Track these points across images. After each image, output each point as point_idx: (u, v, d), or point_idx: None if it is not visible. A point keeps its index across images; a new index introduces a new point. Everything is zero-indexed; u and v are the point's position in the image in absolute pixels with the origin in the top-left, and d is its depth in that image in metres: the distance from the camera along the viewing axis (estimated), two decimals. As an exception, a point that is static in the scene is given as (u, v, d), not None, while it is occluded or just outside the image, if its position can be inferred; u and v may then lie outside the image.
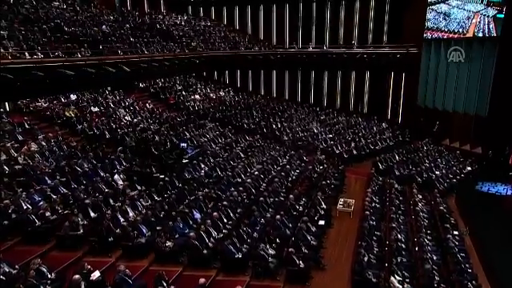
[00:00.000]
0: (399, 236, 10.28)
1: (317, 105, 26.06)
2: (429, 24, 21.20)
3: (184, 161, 14.28)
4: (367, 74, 24.92)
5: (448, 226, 11.07)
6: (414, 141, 20.50)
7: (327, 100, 26.59)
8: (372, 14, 23.93)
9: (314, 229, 10.31)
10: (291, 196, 11.88)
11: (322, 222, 10.81)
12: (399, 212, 12.15)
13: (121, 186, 11.41)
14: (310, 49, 24.92)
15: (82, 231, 8.80)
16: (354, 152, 18.01)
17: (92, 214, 9.59)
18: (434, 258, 9.53)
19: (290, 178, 14.14)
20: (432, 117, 21.67)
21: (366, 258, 8.96)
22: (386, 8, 23.37)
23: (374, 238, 10.20)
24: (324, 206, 11.82)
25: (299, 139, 19.27)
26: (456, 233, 10.81)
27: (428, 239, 10.39)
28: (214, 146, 16.72)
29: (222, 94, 26.61)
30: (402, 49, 21.40)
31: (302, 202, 11.96)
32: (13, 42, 10.39)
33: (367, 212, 11.19)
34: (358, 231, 10.83)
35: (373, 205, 12.22)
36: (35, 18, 13.68)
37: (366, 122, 22.90)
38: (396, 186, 14.31)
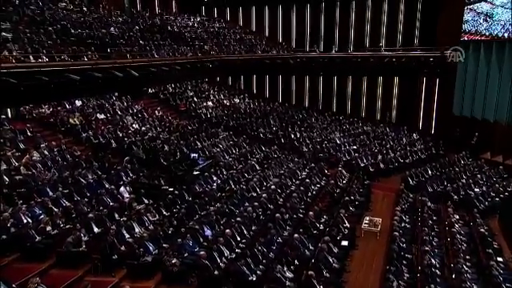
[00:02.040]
0: (433, 261, 9.99)
1: (340, 113, 25.98)
2: (466, 26, 20.62)
3: (195, 173, 14.35)
4: (396, 80, 24.69)
5: (490, 251, 10.68)
6: (448, 154, 20.09)
7: (351, 108, 26.44)
8: (402, 13, 23.78)
9: (336, 250, 10.17)
10: (311, 213, 11.78)
11: (345, 243, 10.66)
12: (433, 234, 11.86)
13: (127, 199, 11.52)
14: (333, 52, 24.91)
15: (84, 248, 8.88)
16: (381, 165, 17.81)
17: (95, 230, 9.68)
18: (475, 287, 9.18)
19: (309, 193, 14.06)
20: (470, 127, 21.19)
21: (395, 284, 8.73)
22: (418, 7, 23.20)
23: (404, 262, 9.98)
24: (347, 225, 11.66)
25: (320, 151, 19.17)
26: (500, 259, 10.44)
27: (467, 266, 10.06)
28: (227, 157, 16.76)
29: (236, 100, 26.78)
30: (436, 52, 21.08)
31: (322, 220, 11.86)
32: (17, 44, 10.74)
33: (396, 233, 10.95)
34: (385, 254, 10.62)
35: (402, 225, 11.99)
36: (41, 19, 14.14)
37: (395, 133, 22.66)
38: (429, 204, 14.00)
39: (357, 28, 25.30)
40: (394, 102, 24.96)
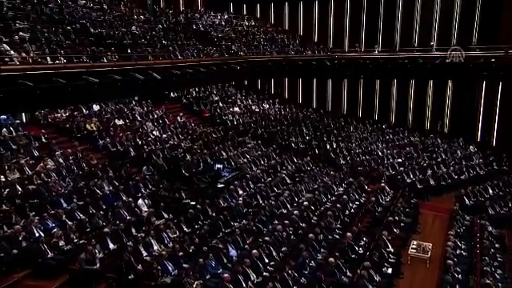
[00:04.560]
0: (495, 296, 9.53)
1: (383, 121, 25.69)
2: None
3: (219, 185, 14.49)
4: (450, 84, 24.07)
5: None
6: (514, 170, 19.30)
7: (396, 116, 26.02)
8: (458, 7, 23.16)
9: (377, 278, 9.94)
10: (349, 234, 11.60)
11: (388, 270, 10.44)
12: (495, 264, 11.35)
13: (145, 213, 11.77)
14: (376, 52, 24.60)
15: (98, 266, 9.08)
16: (431, 182, 17.41)
17: (111, 246, 9.93)
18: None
19: (347, 212, 13.90)
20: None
21: (448, 322, 8.37)
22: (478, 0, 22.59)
23: (460, 295, 9.58)
24: (391, 250, 11.42)
25: (359, 163, 19.01)
26: None
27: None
28: (254, 169, 16.86)
29: (265, 106, 26.93)
30: (499, 51, 20.37)
31: (362, 243, 11.69)
32: (34, 45, 11.28)
33: (450, 261, 10.55)
34: (436, 285, 10.29)
35: (457, 252, 11.58)
36: (59, 18, 14.82)
37: (448, 145, 22.15)
38: (490, 228, 13.50)
39: (404, 24, 24.89)
40: (447, 109, 24.30)
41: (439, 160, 19.69)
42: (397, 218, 13.42)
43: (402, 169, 18.33)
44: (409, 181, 17.33)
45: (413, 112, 25.49)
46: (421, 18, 24.41)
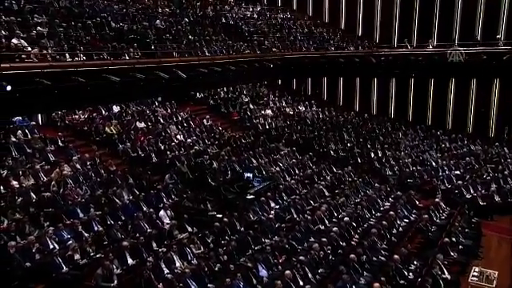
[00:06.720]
0: None
1: (437, 127, 25.27)
2: None
3: (249, 197, 14.54)
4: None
5: None
6: None
7: (453, 120, 25.42)
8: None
9: (431, 309, 9.68)
10: (396, 256, 11.38)
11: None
12: None
13: (167, 226, 11.95)
14: (430, 48, 24.11)
15: (115, 283, 9.27)
16: (496, 198, 16.89)
17: (129, 261, 10.14)
18: None
19: (394, 230, 13.71)
20: None
21: None
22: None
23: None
24: (447, 276, 11.07)
25: (409, 175, 18.76)
26: None
27: None
28: (288, 179, 16.86)
29: (301, 108, 26.90)
30: None
31: (412, 267, 11.46)
32: (52, 41, 11.71)
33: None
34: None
35: (529, 282, 11.10)
36: (79, 11, 15.35)
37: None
38: None
39: (464, 15, 24.30)
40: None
41: (506, 173, 19.00)
42: (454, 239, 13.05)
43: (460, 182, 17.91)
44: (469, 196, 16.89)
45: (474, 116, 24.82)
46: (485, 6, 23.74)
